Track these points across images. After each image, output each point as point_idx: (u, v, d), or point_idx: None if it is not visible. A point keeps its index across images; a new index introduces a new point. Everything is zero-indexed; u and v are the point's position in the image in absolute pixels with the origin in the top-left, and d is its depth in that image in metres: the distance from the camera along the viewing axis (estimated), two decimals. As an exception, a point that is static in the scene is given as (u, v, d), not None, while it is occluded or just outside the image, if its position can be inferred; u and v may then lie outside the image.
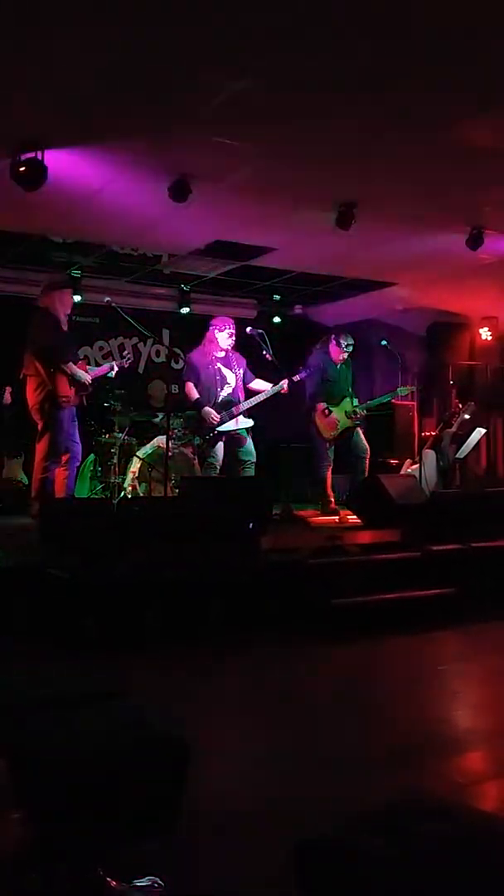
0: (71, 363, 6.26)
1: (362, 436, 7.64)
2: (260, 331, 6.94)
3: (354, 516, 6.87)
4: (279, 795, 2.82)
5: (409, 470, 8.39)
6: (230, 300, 9.34)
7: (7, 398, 7.34)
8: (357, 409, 7.54)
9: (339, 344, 7.50)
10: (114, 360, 7.20)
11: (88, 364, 7.24)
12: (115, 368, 6.79)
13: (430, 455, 8.44)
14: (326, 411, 7.44)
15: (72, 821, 2.07)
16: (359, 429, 7.62)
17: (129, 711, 2.46)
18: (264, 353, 6.85)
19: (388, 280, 8.45)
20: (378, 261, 7.61)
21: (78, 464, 6.44)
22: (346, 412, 7.49)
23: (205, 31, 3.71)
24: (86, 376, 6.35)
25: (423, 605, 5.43)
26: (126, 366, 7.06)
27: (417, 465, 8.18)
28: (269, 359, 6.90)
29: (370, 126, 4.72)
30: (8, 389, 7.24)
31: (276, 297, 9.49)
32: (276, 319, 9.63)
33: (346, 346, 7.50)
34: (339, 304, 9.59)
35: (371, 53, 3.92)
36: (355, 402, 7.60)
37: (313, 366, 7.30)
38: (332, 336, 7.63)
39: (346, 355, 7.55)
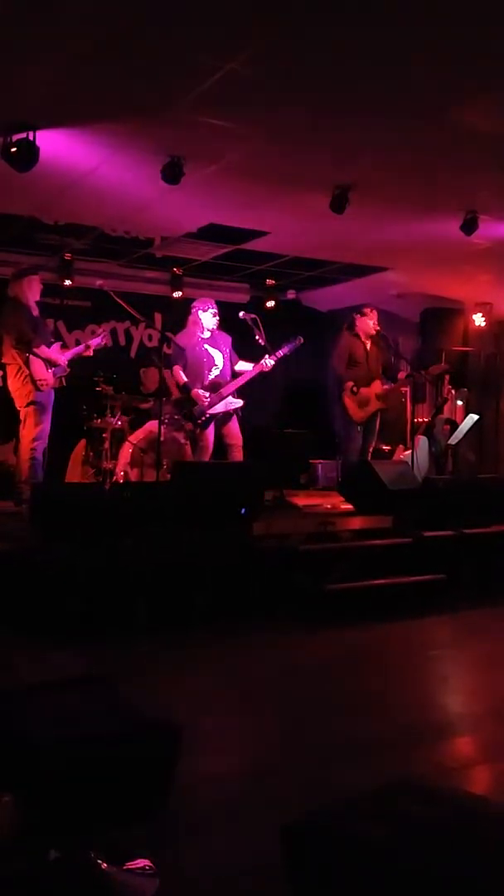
0: (44, 346, 6.33)
1: (378, 425, 7.57)
2: (253, 316, 6.89)
3: (346, 502, 6.87)
4: (269, 779, 2.83)
5: (401, 456, 8.39)
6: (223, 284, 9.29)
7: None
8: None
9: (365, 318, 7.40)
10: (92, 339, 7.15)
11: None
12: (91, 346, 6.77)
13: (422, 441, 8.44)
14: (354, 389, 7.35)
15: (62, 804, 2.07)
16: (379, 417, 7.54)
17: (120, 696, 2.46)
18: (257, 337, 6.80)
19: (382, 265, 8.41)
20: (372, 245, 7.57)
21: (44, 446, 6.43)
22: (376, 394, 7.42)
23: (199, 10, 3.66)
24: (60, 358, 6.40)
25: (414, 591, 5.45)
26: (102, 343, 7.03)
27: (410, 452, 8.19)
28: (262, 343, 6.85)
29: (365, 109, 4.67)
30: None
31: (270, 281, 9.43)
32: (270, 304, 9.58)
33: (371, 321, 7.39)
34: (332, 288, 9.55)
35: (367, 37, 3.88)
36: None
37: (295, 343, 7.11)
38: (355, 314, 7.54)
39: (374, 328, 7.44)
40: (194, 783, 2.59)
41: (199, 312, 6.89)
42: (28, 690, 2.46)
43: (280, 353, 6.87)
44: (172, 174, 5.36)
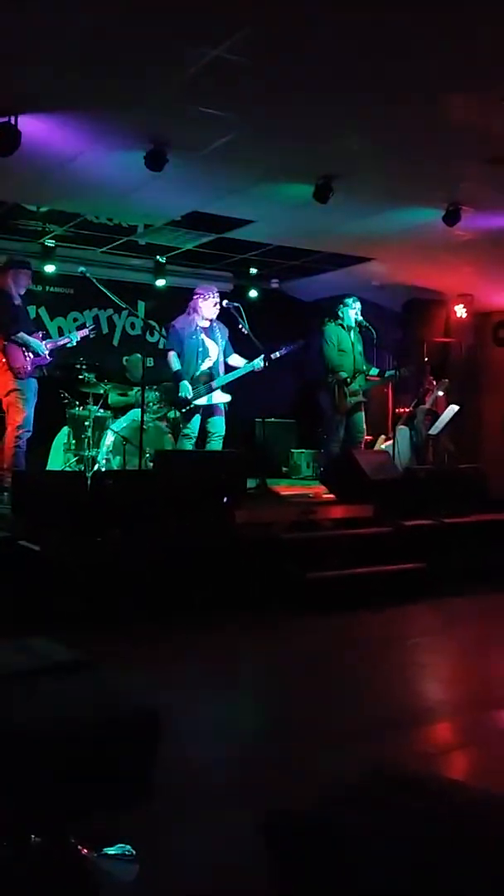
0: (23, 333, 6.27)
1: (364, 416, 7.58)
2: (236, 304, 6.87)
3: (328, 491, 6.90)
4: (250, 767, 2.85)
5: (382, 446, 8.43)
6: (206, 273, 9.25)
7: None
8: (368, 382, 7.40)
9: (350, 308, 7.41)
10: (78, 331, 7.12)
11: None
12: (77, 338, 6.75)
13: (403, 431, 8.48)
14: (348, 380, 7.35)
15: (43, 791, 2.08)
16: (363, 407, 7.55)
17: (100, 682, 2.46)
18: (240, 326, 6.79)
19: (365, 255, 8.42)
20: (355, 235, 7.57)
21: (28, 435, 6.40)
22: (360, 385, 7.42)
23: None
24: (43, 347, 6.36)
25: (395, 580, 5.50)
26: (89, 335, 7.01)
27: (391, 442, 8.23)
28: (245, 333, 6.84)
29: (349, 99, 4.67)
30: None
31: (253, 270, 9.42)
32: (253, 293, 9.57)
33: (355, 309, 7.41)
34: (315, 278, 9.54)
35: (351, 28, 3.87)
36: (374, 370, 7.42)
37: (295, 345, 7.13)
38: (342, 303, 7.54)
39: (360, 319, 7.45)
40: (177, 770, 2.60)
41: (200, 300, 6.79)
42: (10, 676, 2.46)
43: (276, 354, 6.85)
44: (156, 161, 5.32)
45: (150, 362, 7.43)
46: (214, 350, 6.84)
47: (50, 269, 8.22)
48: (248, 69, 4.28)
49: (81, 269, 6.73)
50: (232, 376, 6.85)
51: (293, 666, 4.08)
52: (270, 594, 4.97)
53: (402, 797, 1.85)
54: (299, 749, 3.02)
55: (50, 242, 8.12)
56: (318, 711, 3.43)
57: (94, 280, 6.58)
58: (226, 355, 6.92)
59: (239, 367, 6.86)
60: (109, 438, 7.23)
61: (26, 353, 6.27)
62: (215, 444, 6.89)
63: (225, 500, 5.66)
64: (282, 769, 2.83)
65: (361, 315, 7.59)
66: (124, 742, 2.23)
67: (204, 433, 6.88)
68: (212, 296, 6.80)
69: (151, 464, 6.62)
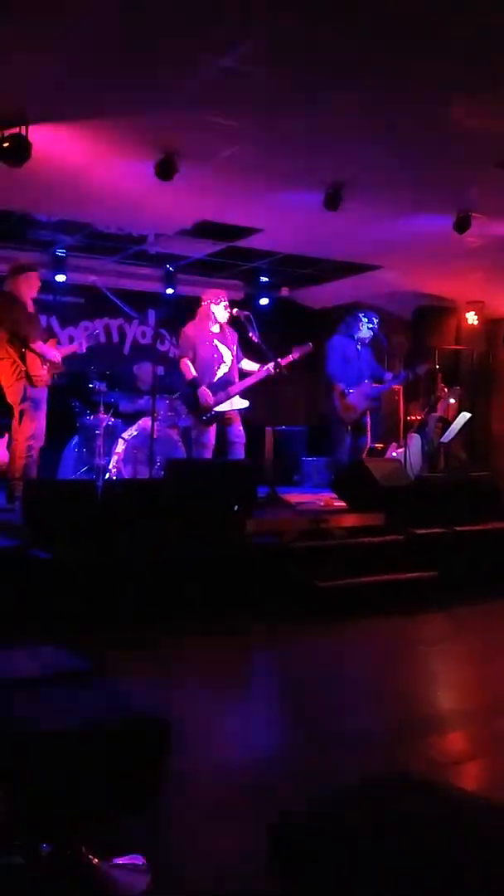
0: (40, 342, 6.29)
1: (369, 426, 7.52)
2: (246, 313, 6.87)
3: (339, 499, 6.87)
4: (260, 774, 2.84)
5: (394, 454, 8.41)
6: (216, 281, 9.29)
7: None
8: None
9: (362, 322, 7.41)
10: (91, 339, 7.14)
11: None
12: (85, 346, 6.76)
13: (415, 439, 8.46)
14: (345, 391, 7.36)
15: (53, 798, 2.07)
16: (369, 417, 7.49)
17: (110, 690, 2.46)
18: (251, 335, 6.78)
19: (375, 263, 8.43)
20: (365, 243, 7.58)
21: (41, 445, 6.40)
22: (365, 395, 7.37)
23: (195, 5, 3.65)
24: (57, 355, 6.38)
25: (406, 588, 5.46)
26: (94, 342, 7.02)
27: (402, 449, 8.20)
28: (256, 341, 6.83)
29: (360, 107, 4.68)
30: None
31: (263, 279, 9.44)
32: (263, 301, 9.58)
33: (369, 326, 7.41)
34: (325, 286, 9.56)
35: (361, 36, 3.88)
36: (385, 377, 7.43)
37: (305, 348, 7.12)
38: (358, 314, 7.53)
39: (369, 335, 7.45)
40: (188, 777, 2.59)
41: (212, 305, 6.73)
42: (19, 683, 2.46)
43: (289, 358, 6.82)
44: (166, 170, 5.36)
45: (160, 371, 7.45)
46: (228, 356, 6.81)
47: (61, 278, 8.27)
48: (257, 78, 4.31)
49: (92, 278, 6.75)
50: (251, 381, 6.79)
51: (303, 674, 4.06)
52: (281, 602, 4.96)
53: (407, 802, 1.83)
54: (308, 757, 3.00)
55: (61, 252, 8.17)
56: (328, 719, 3.41)
57: (105, 289, 6.59)
58: (238, 360, 6.90)
59: (255, 372, 6.81)
60: (120, 447, 7.25)
61: (44, 362, 6.29)
62: (238, 452, 6.84)
63: (235, 508, 5.65)
64: (291, 777, 2.81)
65: (376, 326, 7.59)
66: (134, 749, 2.22)
67: (225, 441, 6.85)
68: (222, 300, 6.78)
69: (162, 472, 6.62)
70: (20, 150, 4.79)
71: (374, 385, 7.53)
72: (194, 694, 3.60)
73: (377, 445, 8.86)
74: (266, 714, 3.51)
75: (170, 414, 7.51)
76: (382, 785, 1.93)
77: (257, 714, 3.50)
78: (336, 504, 6.85)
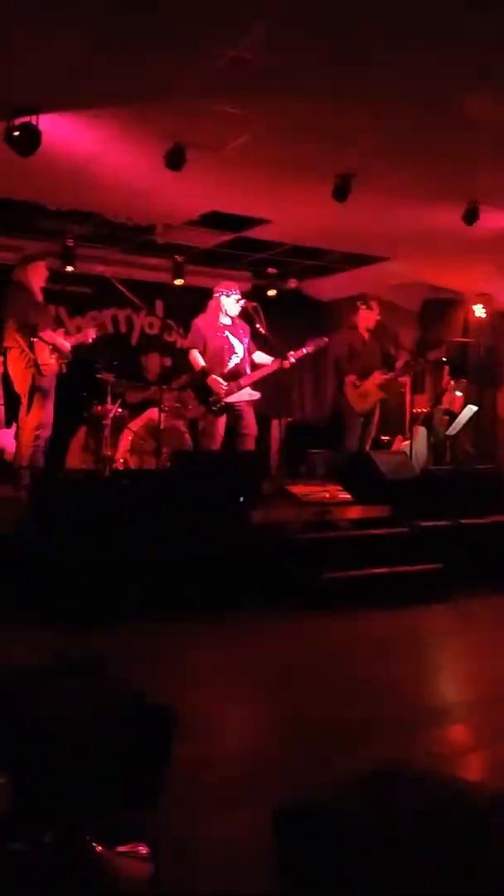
0: (49, 330, 6.31)
1: (377, 416, 7.51)
2: (254, 304, 6.86)
3: (345, 491, 6.88)
4: (264, 765, 2.86)
5: (400, 446, 8.40)
6: (224, 272, 9.26)
7: (-1, 368, 7.31)
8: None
9: (366, 310, 7.37)
10: (99, 329, 7.15)
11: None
12: (93, 335, 6.77)
13: (421, 431, 8.45)
14: (357, 383, 7.31)
15: (58, 787, 2.09)
16: (378, 407, 7.48)
17: (114, 681, 2.48)
18: (258, 326, 6.77)
19: (383, 255, 8.40)
20: (373, 234, 7.55)
21: (48, 435, 6.42)
22: (377, 385, 7.36)
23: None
24: (65, 343, 6.39)
25: (411, 581, 5.47)
26: (102, 332, 7.04)
27: (408, 442, 8.20)
28: (263, 332, 6.82)
29: (368, 98, 4.66)
30: (0, 359, 7.19)
31: (271, 270, 9.41)
32: (271, 293, 9.56)
33: (374, 310, 7.37)
34: (333, 278, 9.53)
35: (371, 24, 3.86)
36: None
37: (320, 342, 7.07)
38: (359, 303, 7.49)
39: (374, 320, 7.39)
40: (192, 767, 2.61)
41: (223, 298, 6.70)
42: (25, 673, 2.48)
43: (303, 351, 6.79)
44: (175, 160, 5.34)
45: (168, 361, 7.46)
46: (240, 347, 6.79)
47: (69, 268, 8.26)
48: (267, 68, 4.29)
49: (100, 268, 6.74)
50: (262, 373, 6.78)
51: (307, 665, 4.08)
52: (285, 594, 4.97)
53: (412, 795, 1.85)
54: (312, 748, 3.02)
55: (70, 242, 8.17)
56: (332, 711, 3.43)
57: (113, 279, 6.59)
58: (250, 352, 6.89)
59: (266, 365, 6.80)
60: (127, 437, 7.26)
61: (52, 351, 6.30)
62: (248, 443, 6.82)
63: (241, 500, 5.66)
64: (295, 767, 2.83)
65: (379, 315, 7.56)
66: (140, 738, 2.24)
67: (236, 434, 6.84)
68: (234, 293, 6.76)
69: (168, 463, 6.64)
70: (30, 140, 4.78)
71: (383, 375, 7.50)
72: (198, 684, 3.62)
73: (383, 437, 8.86)
74: (269, 704, 3.53)
75: (177, 405, 7.52)
76: (385, 775, 1.94)
77: (260, 704, 3.52)
78: (342, 496, 6.86)
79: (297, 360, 6.76)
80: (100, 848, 2.18)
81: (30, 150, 4.81)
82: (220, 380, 6.59)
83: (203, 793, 2.61)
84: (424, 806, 1.78)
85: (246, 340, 6.83)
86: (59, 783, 2.08)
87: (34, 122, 4.76)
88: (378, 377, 7.38)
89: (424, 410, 8.80)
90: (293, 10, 3.75)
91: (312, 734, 3.14)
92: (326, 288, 9.91)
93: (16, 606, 4.32)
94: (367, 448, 7.49)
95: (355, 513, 6.15)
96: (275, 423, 8.48)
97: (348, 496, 6.74)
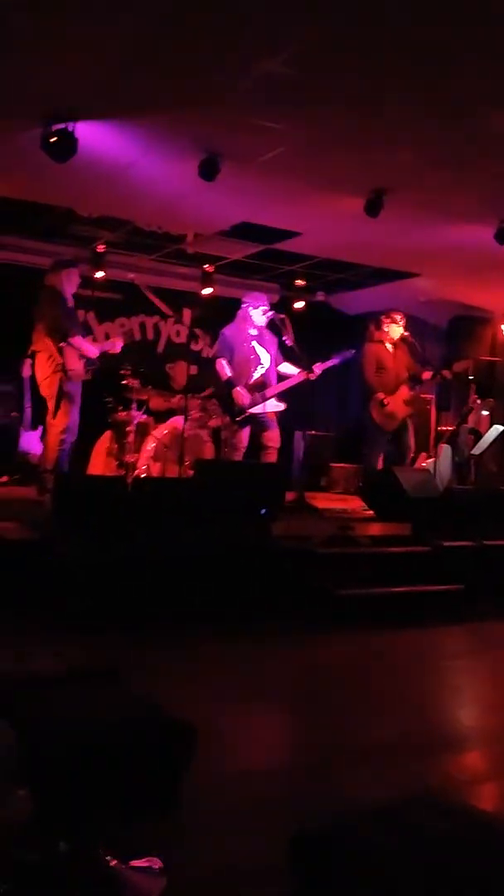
0: (78, 336, 6.36)
1: (412, 431, 7.43)
2: (282, 316, 6.86)
3: (367, 507, 6.83)
4: (280, 784, 2.83)
5: (423, 464, 8.34)
6: (253, 283, 9.28)
7: (27, 370, 7.36)
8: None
9: (391, 325, 7.32)
10: (126, 337, 7.20)
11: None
12: (119, 345, 6.82)
13: (445, 450, 8.39)
14: (384, 402, 7.21)
15: (72, 797, 2.08)
16: (410, 422, 7.40)
17: (132, 691, 2.47)
18: (285, 338, 6.76)
19: (412, 270, 8.37)
20: (403, 250, 7.53)
21: (73, 439, 6.45)
22: (404, 401, 7.32)
23: (244, 6, 3.64)
24: (93, 350, 6.43)
25: (431, 601, 5.42)
26: (128, 340, 7.09)
27: (432, 460, 8.14)
28: (290, 344, 6.81)
29: (404, 113, 4.65)
30: (27, 362, 7.25)
31: (300, 282, 9.41)
32: (298, 305, 9.56)
33: (399, 324, 7.32)
34: (361, 292, 9.51)
35: (407, 40, 3.85)
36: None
37: (346, 354, 7.03)
38: (383, 318, 7.45)
39: (400, 334, 7.36)
40: (206, 783, 2.59)
41: (250, 309, 6.73)
42: (44, 681, 2.47)
43: (329, 363, 6.77)
44: (209, 171, 5.36)
45: (193, 370, 7.47)
46: (266, 358, 6.78)
47: (99, 274, 8.31)
48: (302, 81, 4.29)
49: (130, 275, 6.78)
50: (288, 384, 6.76)
51: (323, 682, 4.04)
52: (303, 608, 4.94)
53: (435, 824, 1.82)
54: (327, 767, 2.98)
55: (101, 248, 8.22)
56: (347, 729, 3.39)
57: (142, 287, 6.62)
58: (276, 363, 6.87)
59: (293, 376, 6.78)
60: (150, 444, 7.27)
61: (80, 357, 6.33)
62: (271, 456, 6.79)
63: (262, 511, 5.65)
64: (309, 786, 2.80)
65: (406, 330, 7.51)
66: (158, 753, 2.23)
67: (259, 446, 6.81)
68: (261, 304, 6.77)
69: (191, 472, 6.63)
70: (66, 146, 4.82)
71: (412, 391, 7.42)
72: (213, 698, 3.59)
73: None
74: (286, 722, 3.50)
75: (201, 414, 7.52)
76: (408, 804, 1.91)
77: (277, 722, 3.49)
78: (363, 512, 6.82)
79: (323, 371, 6.74)
80: (114, 861, 2.17)
81: (66, 157, 4.85)
82: (244, 391, 6.59)
83: (217, 809, 2.58)
84: (447, 835, 1.75)
85: (273, 351, 6.82)
86: (74, 794, 2.07)
87: (70, 129, 4.80)
88: (405, 393, 7.32)
89: (449, 428, 8.73)
90: (329, 23, 3.75)
91: (331, 754, 3.10)
92: (354, 302, 9.89)
93: (35, 610, 4.33)
94: (408, 465, 7.41)
95: (376, 529, 6.11)
96: (298, 434, 8.46)
97: (370, 512, 6.70)
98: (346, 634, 4.77)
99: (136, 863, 2.21)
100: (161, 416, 7.57)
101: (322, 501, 7.42)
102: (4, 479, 7.13)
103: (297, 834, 1.80)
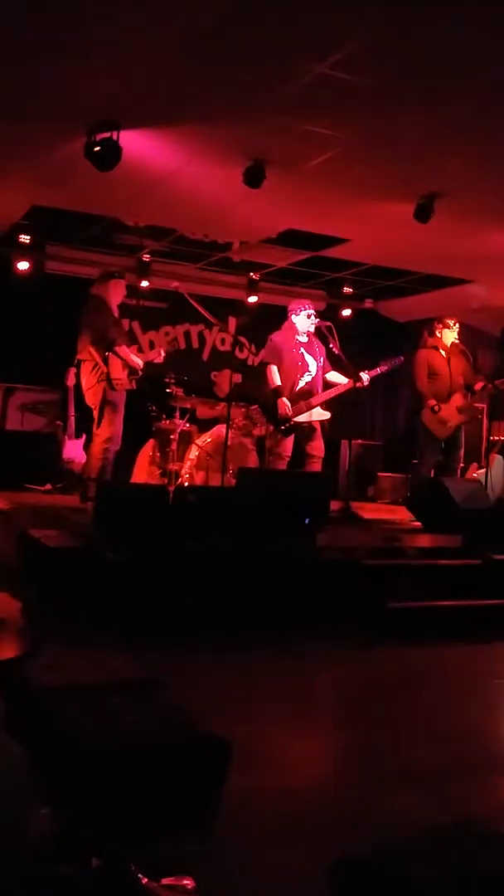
0: (124, 346, 6.40)
1: (462, 440, 7.28)
2: (328, 323, 6.77)
3: (415, 518, 6.68)
4: (323, 804, 2.72)
5: (474, 474, 8.14)
6: (299, 291, 9.21)
7: (71, 379, 7.42)
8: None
9: (444, 330, 7.18)
10: (170, 346, 7.20)
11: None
12: (163, 354, 6.83)
13: (497, 460, 8.18)
14: (436, 408, 7.10)
15: (104, 812, 2.01)
16: (462, 431, 7.23)
17: (170, 704, 2.39)
18: (331, 346, 6.67)
19: (464, 277, 8.20)
20: (454, 256, 7.37)
21: (117, 448, 6.45)
22: (457, 408, 7.17)
23: (292, 11, 3.57)
24: (138, 360, 6.45)
25: (481, 615, 5.24)
26: (172, 349, 7.10)
27: (483, 470, 7.93)
28: (337, 353, 6.71)
29: (453, 116, 4.53)
30: (72, 371, 7.30)
31: (347, 289, 9.30)
32: (346, 312, 9.46)
33: (453, 330, 7.17)
34: (411, 299, 9.37)
35: (460, 44, 3.75)
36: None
37: (395, 361, 6.90)
38: (436, 324, 7.31)
39: (453, 341, 7.22)
40: (247, 800, 2.49)
41: (293, 316, 6.68)
42: (77, 692, 2.41)
43: (378, 370, 6.68)
44: (254, 178, 5.31)
45: (238, 378, 7.43)
46: (314, 366, 6.70)
47: (145, 283, 8.34)
48: (352, 86, 4.21)
49: (175, 284, 6.79)
50: (334, 393, 6.67)
51: (371, 697, 3.91)
52: (349, 621, 4.82)
53: (485, 855, 1.69)
54: (373, 787, 2.86)
55: (146, 257, 8.25)
56: (394, 748, 3.26)
57: (187, 295, 6.61)
58: (324, 371, 6.79)
59: (340, 385, 6.68)
60: (193, 453, 7.24)
61: (124, 366, 6.35)
62: (315, 465, 6.70)
63: (307, 521, 5.55)
64: (353, 807, 2.69)
65: (458, 337, 7.35)
66: (193, 769, 2.15)
67: (303, 454, 6.73)
68: (303, 309, 6.69)
69: (234, 480, 6.57)
70: (110, 155, 4.82)
71: (466, 400, 7.25)
72: (257, 711, 3.50)
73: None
74: (330, 739, 3.39)
75: (245, 422, 7.46)
76: (454, 831, 1.79)
77: (321, 738, 3.38)
78: (411, 523, 6.66)
79: (372, 379, 6.64)
80: (145, 878, 2.09)
81: (110, 166, 4.85)
82: (287, 401, 6.51)
83: (254, 828, 2.48)
84: (496, 870, 1.62)
85: (321, 359, 6.74)
86: (107, 810, 2.00)
87: (115, 138, 4.80)
88: (458, 400, 7.14)
89: (501, 438, 8.51)
90: (380, 29, 3.66)
91: (376, 774, 2.98)
92: (403, 309, 9.75)
93: (77, 618, 4.30)
94: (458, 475, 7.24)
95: (425, 541, 5.95)
96: (344, 443, 8.35)
97: (418, 523, 6.54)
98: (393, 648, 4.62)
99: (167, 881, 2.13)
100: (205, 425, 7.53)
101: (369, 512, 7.29)
102: (48, 486, 7.17)
103: (339, 860, 1.70)
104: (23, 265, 7.85)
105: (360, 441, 9.25)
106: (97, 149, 4.83)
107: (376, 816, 2.59)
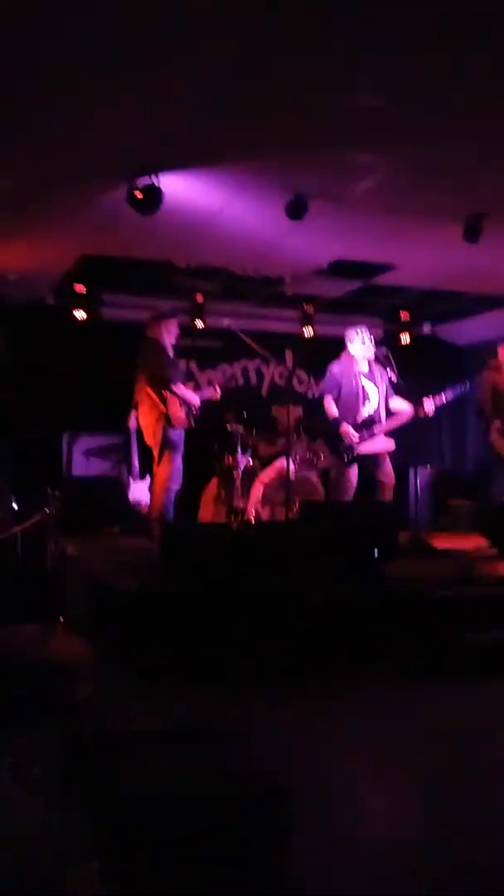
0: (180, 384, 6.43)
1: None
2: (385, 351, 6.66)
3: (491, 546, 6.42)
4: (395, 856, 2.55)
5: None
6: (354, 319, 9.12)
7: (133, 422, 7.48)
8: None
9: None
10: (224, 383, 7.23)
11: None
12: (219, 391, 6.83)
13: None
14: (498, 430, 6.91)
15: (159, 869, 1.92)
16: None
17: (230, 752, 2.30)
18: (390, 374, 6.55)
19: (521, 293, 8.00)
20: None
21: (178, 487, 6.43)
22: None
23: (327, 41, 3.55)
24: (195, 398, 6.45)
25: None
26: (230, 385, 7.11)
27: None
28: (395, 381, 6.59)
29: (496, 134, 4.43)
30: (133, 414, 7.36)
31: (404, 315, 9.17)
32: (405, 339, 9.31)
33: None
34: (469, 321, 9.17)
35: (498, 64, 3.65)
36: None
37: (461, 388, 6.71)
38: (499, 345, 7.14)
39: None
40: (318, 850, 2.36)
41: (349, 344, 6.63)
42: (134, 740, 2.35)
43: (444, 397, 6.53)
44: (296, 210, 5.29)
45: (299, 412, 7.37)
46: (375, 394, 6.58)
47: (199, 323, 8.39)
48: (391, 111, 4.16)
49: (226, 322, 6.82)
50: (398, 422, 6.52)
51: (445, 738, 3.70)
52: (423, 657, 4.62)
53: None
54: (450, 835, 2.68)
55: (199, 298, 8.31)
56: (480, 792, 3.07)
57: (239, 332, 6.63)
58: (388, 398, 6.65)
59: (403, 412, 6.53)
60: (258, 489, 7.18)
61: (182, 404, 6.38)
62: (386, 493, 6.56)
63: (375, 552, 5.40)
64: (436, 856, 2.52)
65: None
66: (250, 820, 2.05)
67: (373, 482, 6.58)
68: (357, 334, 6.60)
69: (299, 515, 6.47)
70: (152, 199, 4.87)
71: None
72: (326, 754, 3.35)
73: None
74: (408, 783, 3.21)
75: (308, 455, 7.38)
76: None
77: (391, 786, 3.20)
78: (487, 550, 6.41)
79: (438, 408, 6.47)
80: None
81: (152, 210, 4.89)
82: (351, 429, 6.40)
83: (327, 880, 2.34)
84: None
85: (383, 387, 6.62)
86: (161, 867, 1.91)
87: (155, 183, 4.85)
88: None
89: None
90: (420, 52, 3.60)
91: (452, 820, 2.80)
92: (463, 331, 9.55)
93: (143, 661, 4.24)
94: None
95: (502, 569, 5.71)
96: (412, 471, 8.15)
97: (494, 551, 6.29)
98: (470, 686, 4.40)
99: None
100: (268, 460, 7.48)
101: (441, 541, 7.05)
102: (116, 529, 7.21)
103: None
104: (80, 314, 8.01)
105: (428, 468, 9.04)
106: (139, 195, 4.89)
107: (460, 866, 2.42)
